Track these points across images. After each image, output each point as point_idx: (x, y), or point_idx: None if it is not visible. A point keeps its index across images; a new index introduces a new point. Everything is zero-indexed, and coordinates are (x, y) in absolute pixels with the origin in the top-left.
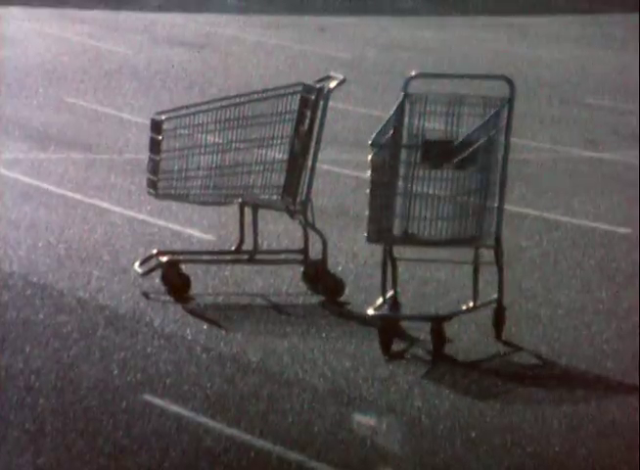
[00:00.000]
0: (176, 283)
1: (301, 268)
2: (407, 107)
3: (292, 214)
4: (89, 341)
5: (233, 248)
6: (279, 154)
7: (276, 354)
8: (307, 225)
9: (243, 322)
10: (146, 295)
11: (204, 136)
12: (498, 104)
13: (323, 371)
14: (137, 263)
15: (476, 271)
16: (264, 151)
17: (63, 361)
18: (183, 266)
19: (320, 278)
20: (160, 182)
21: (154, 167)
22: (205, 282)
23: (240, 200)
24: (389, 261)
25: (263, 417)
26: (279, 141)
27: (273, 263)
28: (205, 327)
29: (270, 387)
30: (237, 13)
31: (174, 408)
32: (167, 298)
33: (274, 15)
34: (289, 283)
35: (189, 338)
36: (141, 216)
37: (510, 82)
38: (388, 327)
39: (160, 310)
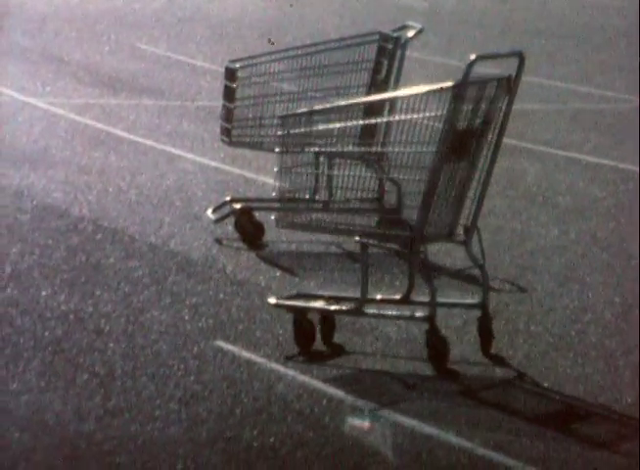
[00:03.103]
0: (249, 230)
1: (376, 217)
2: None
3: (367, 163)
4: (160, 286)
5: (307, 196)
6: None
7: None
8: (382, 174)
9: (316, 270)
10: (218, 241)
11: (278, 85)
12: (497, 80)
13: (396, 319)
14: (210, 210)
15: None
16: (340, 100)
17: (133, 306)
18: (256, 214)
19: (394, 227)
20: (233, 130)
21: (227, 115)
22: (278, 229)
23: (315, 148)
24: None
25: (336, 365)
26: (355, 90)
27: (347, 212)
28: (277, 274)
29: (343, 335)
30: None
31: (246, 355)
32: (240, 245)
33: None
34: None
35: (262, 285)
36: (214, 164)
37: (521, 57)
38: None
39: (232, 257)
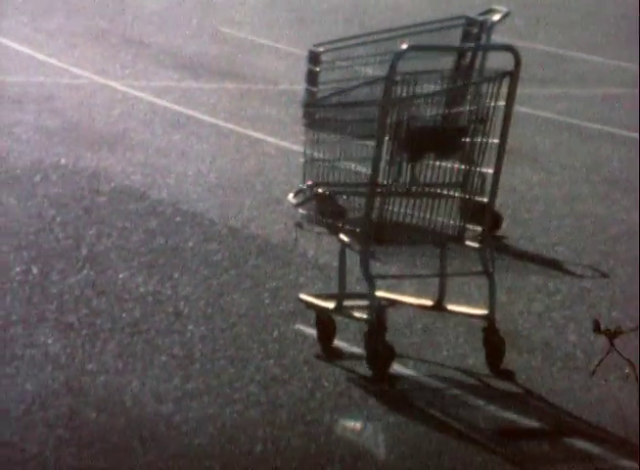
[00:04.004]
0: (332, 214)
1: (459, 202)
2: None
3: None
4: (240, 269)
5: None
6: (439, 88)
7: (431, 287)
8: (466, 159)
9: (398, 254)
10: (299, 225)
11: (362, 69)
12: (495, 79)
13: (478, 305)
14: (291, 194)
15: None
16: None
17: (212, 289)
18: (339, 198)
19: (477, 213)
20: (316, 114)
21: (311, 99)
22: (362, 214)
23: None
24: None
25: (417, 349)
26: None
27: (430, 196)
28: (358, 259)
29: (424, 319)
30: None
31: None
32: (322, 229)
33: None
34: (446, 217)
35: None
36: (295, 147)
37: (515, 52)
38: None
39: (313, 241)
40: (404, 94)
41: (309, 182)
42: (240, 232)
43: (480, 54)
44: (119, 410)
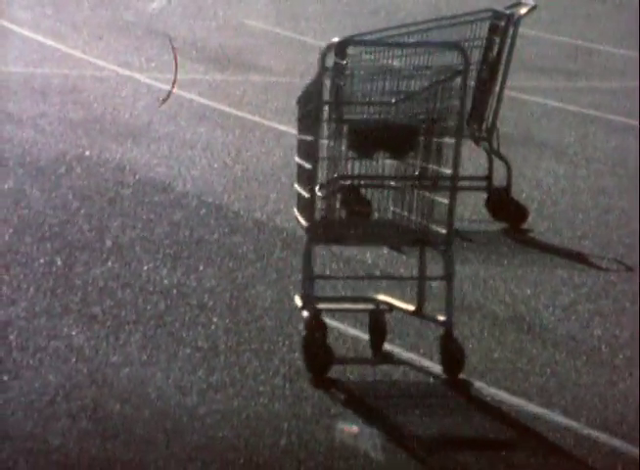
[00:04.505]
0: (357, 207)
1: (485, 195)
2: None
3: (477, 141)
4: (265, 262)
5: (416, 173)
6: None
7: (457, 280)
8: (492, 152)
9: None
10: (324, 218)
11: (388, 62)
12: (446, 76)
13: (504, 298)
14: (317, 186)
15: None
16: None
17: (237, 281)
18: (364, 190)
19: (504, 205)
20: (342, 107)
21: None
22: (386, 206)
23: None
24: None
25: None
26: None
27: (454, 189)
28: (384, 252)
29: (465, 314)
30: None
31: (352, 332)
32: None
33: None
34: (472, 210)
35: (368, 262)
36: (322, 140)
37: (464, 52)
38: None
39: None
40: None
41: (334, 175)
42: (265, 225)
43: (506, 47)
44: (143, 402)
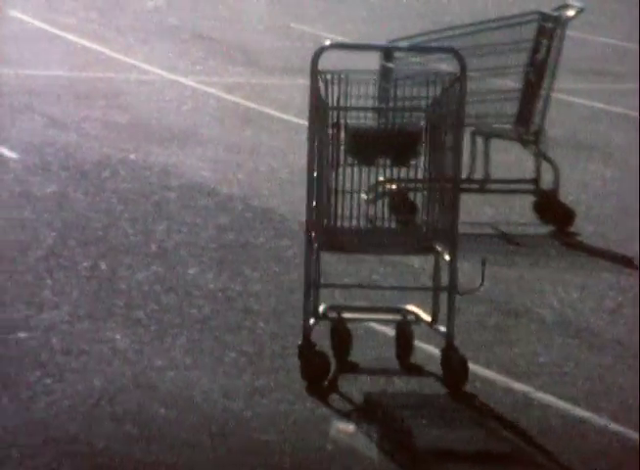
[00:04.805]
0: (403, 211)
1: (532, 198)
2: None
3: (524, 144)
4: None
5: (464, 177)
6: (513, 83)
7: (504, 284)
8: (540, 155)
9: (471, 251)
10: (371, 221)
11: (436, 65)
12: (444, 82)
13: (551, 302)
14: (363, 190)
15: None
16: (499, 80)
17: (283, 286)
18: (411, 194)
19: (551, 208)
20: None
21: (384, 95)
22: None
23: (472, 128)
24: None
25: (489, 347)
26: (514, 70)
27: (504, 193)
28: (430, 257)
29: (497, 316)
30: None
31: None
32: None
33: None
34: (519, 213)
35: (415, 266)
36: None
37: (459, 57)
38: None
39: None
40: (339, 94)
41: (381, 178)
42: None
43: (553, 49)
44: (188, 406)
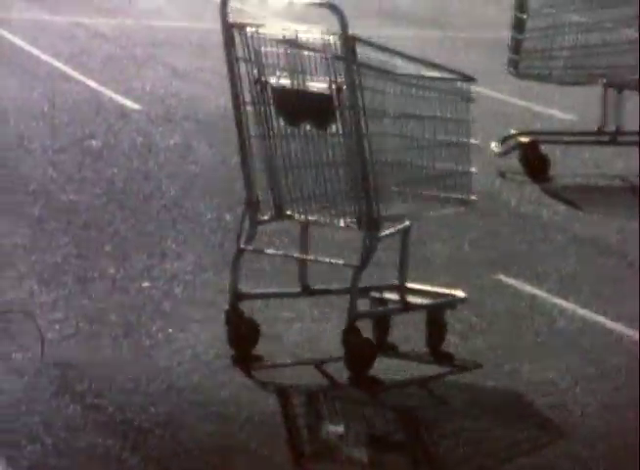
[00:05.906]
0: (535, 163)
1: None
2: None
3: None
4: (440, 220)
5: (595, 129)
6: None
7: (633, 237)
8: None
9: (600, 204)
10: (502, 174)
11: (569, 15)
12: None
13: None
14: (495, 143)
15: None
16: (632, 30)
17: (413, 237)
18: (543, 147)
19: None
20: (521, 61)
21: (516, 46)
22: (564, 163)
23: (604, 80)
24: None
25: (618, 300)
26: None
27: (635, 145)
28: (561, 208)
29: (625, 269)
30: None
31: (528, 289)
32: (524, 178)
33: None
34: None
35: (544, 219)
36: (500, 96)
37: (338, 11)
38: None
39: (516, 190)
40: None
41: (513, 131)
42: None
43: None
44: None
